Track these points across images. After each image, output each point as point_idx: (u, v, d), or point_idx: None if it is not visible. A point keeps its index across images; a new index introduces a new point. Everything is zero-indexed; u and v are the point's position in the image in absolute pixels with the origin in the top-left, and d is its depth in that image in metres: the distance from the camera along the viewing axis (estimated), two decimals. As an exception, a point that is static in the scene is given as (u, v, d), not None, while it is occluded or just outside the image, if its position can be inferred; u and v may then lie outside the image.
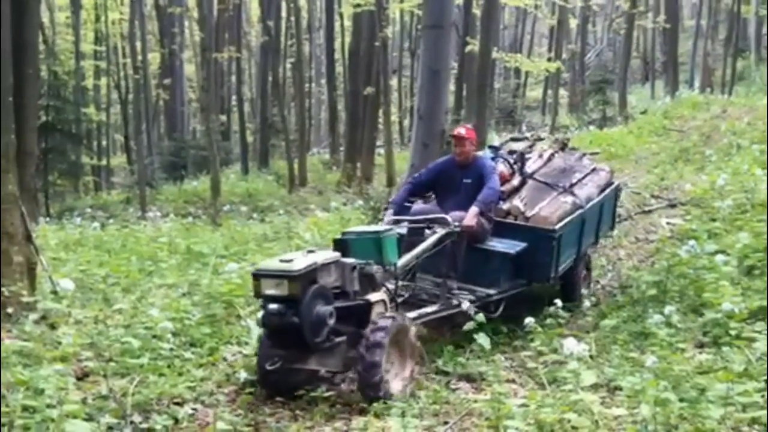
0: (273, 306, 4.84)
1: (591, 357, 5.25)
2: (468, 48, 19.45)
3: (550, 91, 36.31)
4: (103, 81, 34.07)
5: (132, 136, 28.99)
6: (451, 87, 22.33)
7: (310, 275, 4.93)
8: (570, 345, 4.58)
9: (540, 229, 6.86)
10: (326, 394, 4.93)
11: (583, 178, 7.77)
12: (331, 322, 4.94)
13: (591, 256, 8.48)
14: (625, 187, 13.32)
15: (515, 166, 7.61)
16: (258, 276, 5.00)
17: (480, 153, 7.47)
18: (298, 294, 4.82)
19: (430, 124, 10.41)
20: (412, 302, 6.20)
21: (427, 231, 6.30)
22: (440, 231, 6.26)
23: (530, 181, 7.52)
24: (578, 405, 4.21)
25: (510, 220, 7.08)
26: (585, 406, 4.17)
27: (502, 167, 7.44)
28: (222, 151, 26.78)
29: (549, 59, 27.53)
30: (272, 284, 4.91)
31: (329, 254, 5.31)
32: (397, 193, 7.54)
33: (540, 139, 8.82)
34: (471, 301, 6.30)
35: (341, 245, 5.70)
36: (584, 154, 8.45)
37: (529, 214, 7.04)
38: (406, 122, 33.33)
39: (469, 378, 5.67)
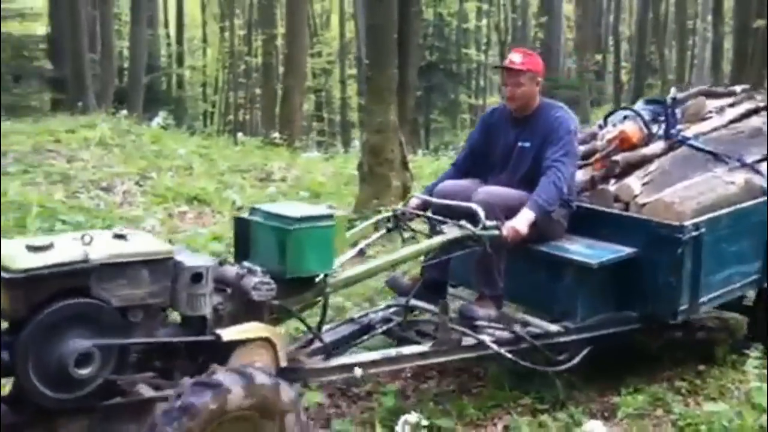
0: None
1: None
2: None
3: None
4: (485, 22, 35.36)
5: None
6: None
7: (58, 281, 2.71)
8: None
9: (657, 225, 4.07)
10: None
11: None
12: (88, 372, 2.73)
13: None
14: None
15: (656, 126, 4.88)
16: None
17: (551, 101, 4.44)
18: (17, 313, 2.68)
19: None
20: (402, 336, 3.95)
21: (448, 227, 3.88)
22: (450, 233, 3.77)
23: (682, 149, 4.71)
24: None
25: (616, 209, 4.36)
26: None
27: (629, 126, 4.81)
28: (594, 91, 26.39)
29: None
30: None
31: (148, 244, 3.04)
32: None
33: (752, 98, 5.49)
34: (504, 342, 3.81)
35: (242, 228, 3.51)
36: None
37: (645, 200, 4.25)
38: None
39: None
